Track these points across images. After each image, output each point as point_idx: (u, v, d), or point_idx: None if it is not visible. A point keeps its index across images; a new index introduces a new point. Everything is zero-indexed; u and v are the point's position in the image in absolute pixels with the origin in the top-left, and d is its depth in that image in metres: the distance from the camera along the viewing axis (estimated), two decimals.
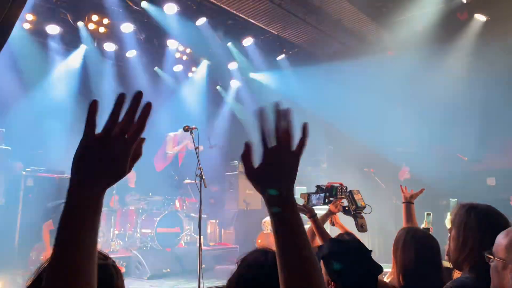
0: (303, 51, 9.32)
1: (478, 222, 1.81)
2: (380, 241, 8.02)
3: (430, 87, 8.10)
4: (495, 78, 7.57)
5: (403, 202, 3.21)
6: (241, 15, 7.68)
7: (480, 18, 7.61)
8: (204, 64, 10.10)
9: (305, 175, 8.66)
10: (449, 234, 1.91)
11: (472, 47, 8.08)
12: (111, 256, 1.31)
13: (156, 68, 9.83)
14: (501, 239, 1.43)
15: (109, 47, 8.59)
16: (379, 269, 1.95)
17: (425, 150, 8.47)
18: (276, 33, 8.41)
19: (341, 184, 3.06)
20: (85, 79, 8.59)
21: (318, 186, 3.12)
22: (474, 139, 7.77)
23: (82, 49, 8.53)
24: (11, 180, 6.40)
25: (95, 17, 7.75)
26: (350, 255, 1.93)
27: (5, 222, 6.12)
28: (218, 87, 11.09)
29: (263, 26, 8.15)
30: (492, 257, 1.43)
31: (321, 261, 1.99)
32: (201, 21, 7.96)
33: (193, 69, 10.28)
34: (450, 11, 7.61)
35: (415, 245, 2.29)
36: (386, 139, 8.19)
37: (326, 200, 3.03)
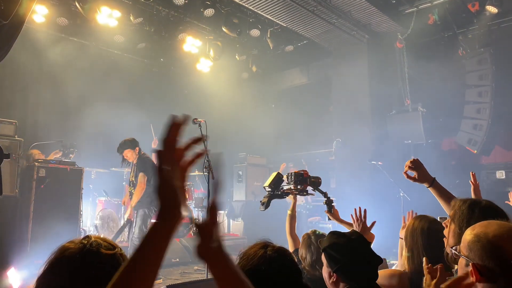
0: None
1: (483, 218, 1.83)
2: (388, 233, 8.01)
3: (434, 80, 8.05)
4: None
5: None
6: (249, 7, 7.62)
7: (491, 9, 7.48)
8: None
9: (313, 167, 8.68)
10: (445, 228, 1.93)
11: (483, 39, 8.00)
12: (120, 246, 1.36)
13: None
14: (466, 235, 1.32)
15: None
16: (380, 260, 1.99)
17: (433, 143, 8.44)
18: (285, 25, 8.34)
19: (304, 172, 3.08)
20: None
21: (278, 173, 3.17)
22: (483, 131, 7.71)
23: None
24: (24, 171, 6.49)
25: None
26: (351, 247, 1.97)
27: (18, 212, 6.24)
28: None
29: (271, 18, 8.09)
30: (457, 253, 1.33)
31: (323, 253, 2.04)
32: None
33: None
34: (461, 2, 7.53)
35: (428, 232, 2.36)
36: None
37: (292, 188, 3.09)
